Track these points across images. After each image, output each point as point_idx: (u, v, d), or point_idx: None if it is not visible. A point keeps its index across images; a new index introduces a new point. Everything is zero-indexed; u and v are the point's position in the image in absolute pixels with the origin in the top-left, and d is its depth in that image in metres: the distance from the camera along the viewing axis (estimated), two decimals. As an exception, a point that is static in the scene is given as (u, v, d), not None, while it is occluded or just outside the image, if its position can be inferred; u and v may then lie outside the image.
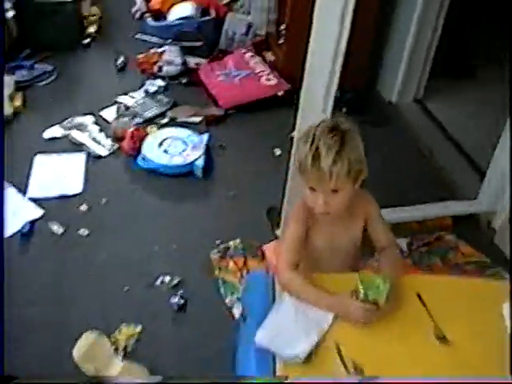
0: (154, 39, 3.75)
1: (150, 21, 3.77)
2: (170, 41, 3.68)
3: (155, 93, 3.45)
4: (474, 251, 2.73)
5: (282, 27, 3.76)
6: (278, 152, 3.19)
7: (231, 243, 2.60)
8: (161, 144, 3.02)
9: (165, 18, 3.82)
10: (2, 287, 2.18)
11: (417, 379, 1.45)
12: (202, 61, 3.69)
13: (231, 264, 2.53)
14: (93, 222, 2.68)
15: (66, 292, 2.38)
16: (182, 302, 2.36)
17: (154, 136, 3.06)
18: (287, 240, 1.71)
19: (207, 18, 3.81)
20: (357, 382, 1.42)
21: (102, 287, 2.41)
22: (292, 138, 3.29)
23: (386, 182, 3.02)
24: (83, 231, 2.63)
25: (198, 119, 3.33)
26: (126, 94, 3.46)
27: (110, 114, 3.30)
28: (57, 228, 2.63)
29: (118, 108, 3.29)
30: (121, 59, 3.71)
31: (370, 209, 1.77)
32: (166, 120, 3.31)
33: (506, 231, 2.73)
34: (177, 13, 3.75)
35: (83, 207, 2.74)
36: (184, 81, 3.60)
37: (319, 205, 1.60)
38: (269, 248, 2.61)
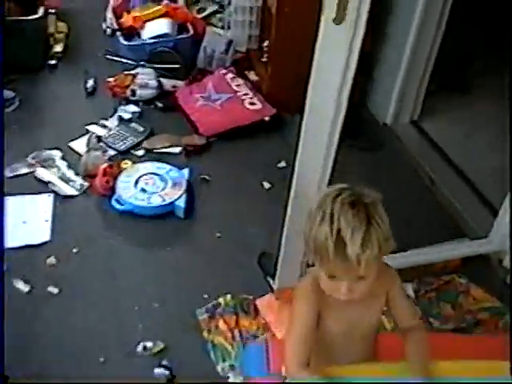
0: (127, 60, 3.43)
1: (121, 39, 3.44)
2: (143, 62, 3.36)
3: (129, 120, 3.15)
4: (485, 295, 2.50)
5: (266, 44, 3.49)
6: (267, 185, 2.91)
7: (221, 300, 2.31)
8: (137, 182, 2.72)
9: (138, 35, 3.49)
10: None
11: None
12: (180, 83, 3.38)
13: (221, 324, 2.25)
14: (63, 278, 2.38)
15: (32, 366, 2.07)
16: (167, 373, 2.07)
17: (129, 173, 2.76)
18: (295, 330, 1.43)
19: (184, 35, 3.49)
20: None
21: (74, 358, 2.11)
22: (281, 169, 3.05)
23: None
24: (52, 289, 2.32)
25: (177, 150, 3.03)
26: (97, 122, 3.14)
27: (79, 145, 2.98)
28: (22, 286, 2.32)
29: (89, 140, 2.98)
30: (90, 82, 3.39)
31: (393, 285, 1.50)
32: (141, 152, 3.00)
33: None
34: (151, 30, 3.43)
35: (51, 260, 2.43)
36: (160, 105, 3.30)
37: (342, 294, 1.33)
38: (262, 303, 2.36)
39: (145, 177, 2.75)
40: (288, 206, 2.06)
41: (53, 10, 3.81)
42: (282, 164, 3.04)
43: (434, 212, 2.89)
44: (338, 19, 1.58)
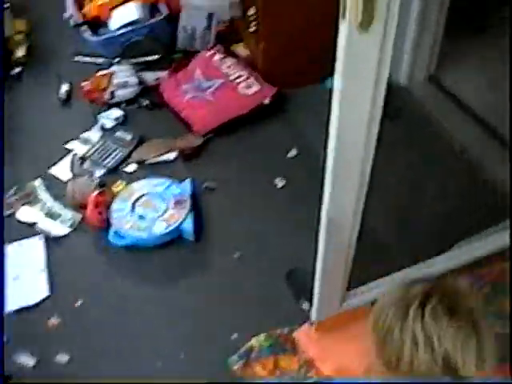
0: (98, 58, 3.01)
1: (88, 35, 2.99)
2: (118, 57, 2.95)
3: (113, 128, 2.77)
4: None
5: (252, 11, 3.05)
6: (280, 183, 2.56)
7: (253, 341, 2.01)
8: (134, 207, 2.38)
9: (107, 26, 3.05)
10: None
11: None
12: (163, 74, 2.98)
13: (258, 369, 1.96)
14: (71, 340, 2.08)
15: None
16: None
17: (124, 197, 2.42)
18: None
19: (158, 17, 3.05)
20: None
21: None
22: (293, 158, 2.70)
23: (415, 205, 2.44)
24: (61, 357, 2.02)
25: (172, 156, 2.68)
26: (77, 137, 2.76)
27: (62, 170, 2.62)
28: (26, 359, 2.02)
29: (72, 163, 2.62)
30: (63, 88, 2.98)
31: None
32: (133, 167, 2.64)
33: None
34: (119, 18, 2.99)
35: (54, 320, 2.13)
36: (145, 104, 2.91)
37: None
38: (301, 336, 2.06)
39: (142, 199, 2.42)
40: (322, 209, 1.67)
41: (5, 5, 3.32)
42: (293, 153, 2.69)
43: (471, 187, 2.55)
44: (365, 24, 1.20)
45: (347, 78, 1.29)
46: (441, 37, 2.86)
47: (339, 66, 1.28)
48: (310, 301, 2.00)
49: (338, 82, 1.30)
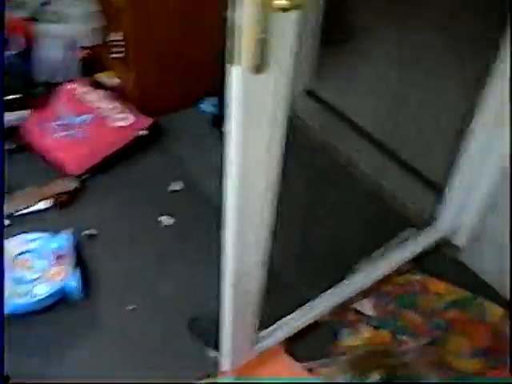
0: None
1: None
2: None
3: (-26, 180, 2.48)
4: (447, 286, 2.23)
5: (114, 37, 2.87)
6: (166, 221, 2.40)
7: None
8: (9, 270, 2.12)
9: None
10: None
11: None
12: (25, 113, 2.71)
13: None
14: None
15: None
16: None
17: (-3, 260, 2.15)
18: None
19: (13, 50, 2.76)
20: None
21: None
22: (175, 192, 2.55)
23: (309, 226, 2.39)
24: None
25: (45, 204, 2.43)
26: None
27: None
28: None
29: None
30: None
31: None
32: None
33: (475, 246, 2.24)
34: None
35: None
36: (7, 148, 2.62)
37: None
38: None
39: (17, 260, 2.16)
40: (224, 260, 1.53)
41: None
42: (176, 187, 2.54)
43: (358, 199, 2.54)
44: (260, 67, 1.09)
45: (243, 123, 1.18)
46: (317, 50, 2.83)
47: (233, 110, 1.16)
48: (218, 348, 1.88)
49: (234, 131, 1.19)
